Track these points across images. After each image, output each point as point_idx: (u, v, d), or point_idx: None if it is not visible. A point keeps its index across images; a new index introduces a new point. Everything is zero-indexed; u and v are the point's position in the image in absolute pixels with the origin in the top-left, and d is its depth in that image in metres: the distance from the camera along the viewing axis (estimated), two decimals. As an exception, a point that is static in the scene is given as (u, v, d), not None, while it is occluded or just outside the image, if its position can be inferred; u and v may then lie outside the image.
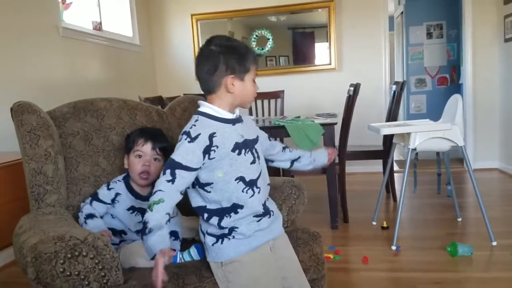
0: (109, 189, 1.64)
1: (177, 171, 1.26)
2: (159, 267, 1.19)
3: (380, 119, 4.57)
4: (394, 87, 3.79)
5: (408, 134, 2.71)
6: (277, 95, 4.46)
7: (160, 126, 1.90)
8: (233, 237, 1.33)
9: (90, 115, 1.79)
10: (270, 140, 1.56)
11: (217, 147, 1.29)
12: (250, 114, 4.22)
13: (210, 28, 5.10)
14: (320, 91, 5.02)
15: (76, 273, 1.20)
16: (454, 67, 6.26)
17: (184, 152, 1.27)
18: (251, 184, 1.34)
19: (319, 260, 1.64)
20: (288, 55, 5.18)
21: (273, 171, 3.53)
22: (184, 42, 5.22)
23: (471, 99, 4.88)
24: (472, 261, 2.48)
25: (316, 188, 3.82)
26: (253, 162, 1.36)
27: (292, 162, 1.61)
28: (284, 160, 1.61)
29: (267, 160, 1.57)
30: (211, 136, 1.29)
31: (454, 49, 6.25)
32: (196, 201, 1.36)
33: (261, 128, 1.59)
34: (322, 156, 1.67)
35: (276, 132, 3.10)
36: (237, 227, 1.33)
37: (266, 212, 1.38)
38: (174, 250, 1.29)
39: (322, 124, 3.05)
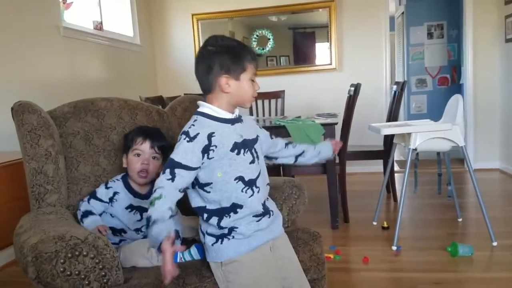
0: (107, 187, 1.65)
1: (177, 170, 1.26)
2: (167, 255, 1.18)
3: (381, 119, 4.57)
4: (394, 87, 3.79)
5: (409, 134, 2.71)
6: (277, 95, 4.46)
7: (161, 126, 1.90)
8: (233, 237, 1.33)
9: (90, 115, 1.79)
10: (272, 138, 1.55)
11: (216, 146, 1.29)
12: (251, 114, 4.22)
13: (211, 28, 5.10)
14: (320, 91, 5.03)
15: (77, 272, 1.20)
16: (454, 67, 6.26)
17: (183, 152, 1.27)
18: (250, 183, 1.34)
19: (320, 260, 1.64)
20: (289, 55, 5.18)
21: (274, 171, 3.54)
22: (184, 42, 5.22)
23: (471, 99, 4.88)
24: (473, 261, 2.48)
25: (316, 188, 3.82)
26: (252, 162, 1.36)
27: (296, 157, 1.60)
28: (288, 156, 1.60)
29: (271, 158, 1.58)
30: (210, 136, 1.29)
31: (454, 49, 6.25)
32: (195, 201, 1.36)
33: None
34: (326, 149, 1.65)
35: (277, 132, 3.09)
36: (237, 227, 1.33)
37: (266, 212, 1.38)
38: (178, 236, 1.28)
39: (323, 124, 3.05)
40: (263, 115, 4.44)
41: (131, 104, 1.91)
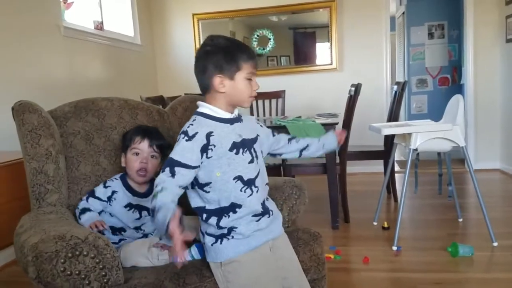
0: (105, 187, 1.65)
1: (177, 169, 1.26)
2: (175, 236, 1.17)
3: (381, 119, 4.57)
4: (395, 87, 3.79)
5: (409, 134, 2.71)
6: (278, 95, 4.46)
7: (161, 125, 1.90)
8: (232, 237, 1.33)
9: (91, 115, 1.79)
10: (274, 135, 1.55)
11: (215, 146, 1.30)
12: (251, 114, 4.22)
13: (211, 28, 5.10)
14: (321, 91, 5.03)
15: (77, 272, 1.20)
16: (455, 67, 6.26)
17: (183, 151, 1.28)
18: (249, 183, 1.34)
19: (320, 260, 1.64)
20: (289, 55, 5.18)
21: (274, 171, 3.54)
22: (185, 42, 5.22)
23: (472, 99, 4.88)
24: (473, 261, 2.48)
25: (317, 188, 3.82)
26: (251, 161, 1.36)
27: (301, 151, 1.60)
28: (292, 151, 1.59)
29: (275, 154, 1.57)
30: (209, 135, 1.29)
31: (455, 49, 6.25)
32: (195, 201, 1.36)
33: None
34: (331, 140, 1.64)
35: (277, 132, 3.10)
36: (236, 227, 1.33)
37: (265, 211, 1.38)
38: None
39: (323, 124, 3.05)
40: (264, 115, 4.44)
41: (132, 104, 1.91)
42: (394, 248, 2.68)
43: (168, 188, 1.24)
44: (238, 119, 1.39)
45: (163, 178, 1.26)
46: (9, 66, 3.04)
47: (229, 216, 1.32)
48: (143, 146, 1.66)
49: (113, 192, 1.64)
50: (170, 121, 1.96)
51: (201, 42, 1.41)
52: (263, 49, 5.15)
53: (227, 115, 1.36)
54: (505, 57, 4.65)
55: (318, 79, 5.07)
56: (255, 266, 1.34)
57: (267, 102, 4.45)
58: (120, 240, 1.61)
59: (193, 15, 5.16)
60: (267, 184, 1.44)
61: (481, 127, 4.89)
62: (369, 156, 3.77)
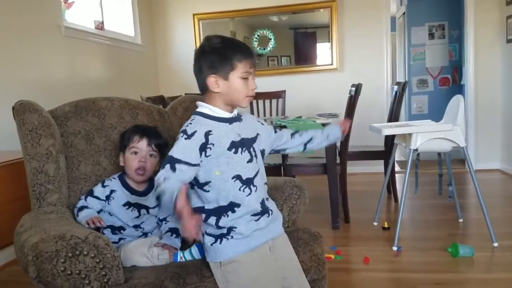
0: (103, 186, 1.66)
1: (177, 165, 1.26)
2: (184, 213, 1.14)
3: (382, 119, 4.57)
4: (395, 87, 3.79)
5: (410, 134, 2.71)
6: (278, 95, 4.46)
7: (162, 125, 1.90)
8: (232, 237, 1.33)
9: (91, 115, 1.79)
10: (276, 131, 1.54)
11: (213, 145, 1.30)
12: (251, 114, 4.22)
13: (212, 28, 5.10)
14: (321, 91, 5.02)
15: (77, 272, 1.20)
16: (456, 67, 6.25)
17: (182, 148, 1.28)
18: (248, 182, 1.34)
19: (320, 261, 1.64)
20: (290, 55, 5.18)
21: (275, 171, 3.54)
22: (186, 42, 5.22)
23: (473, 99, 4.88)
24: (473, 262, 2.48)
25: (317, 188, 3.82)
26: (250, 160, 1.36)
27: (305, 145, 1.59)
28: (296, 146, 1.59)
29: (279, 150, 1.57)
30: (207, 134, 1.30)
31: (456, 49, 6.25)
32: (194, 202, 1.36)
33: None
34: (335, 131, 1.62)
35: (280, 128, 3.10)
36: (236, 227, 1.33)
37: (264, 211, 1.38)
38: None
39: (324, 124, 3.05)
40: (264, 115, 4.44)
41: (132, 104, 1.91)
42: (395, 248, 2.68)
43: (171, 178, 1.23)
44: (237, 119, 1.39)
45: (164, 173, 1.25)
46: (9, 66, 3.04)
47: (228, 216, 1.32)
48: (142, 145, 1.66)
49: (112, 191, 1.64)
50: (171, 121, 1.96)
51: (201, 42, 1.41)
52: (264, 49, 5.15)
53: (226, 115, 1.37)
54: (505, 57, 4.65)
55: (318, 79, 5.07)
56: (255, 266, 1.34)
57: (267, 102, 4.45)
58: (120, 239, 1.61)
59: (194, 15, 5.16)
60: (266, 183, 1.44)
61: (481, 128, 4.89)
62: (369, 156, 3.77)
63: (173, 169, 1.25)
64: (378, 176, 4.31)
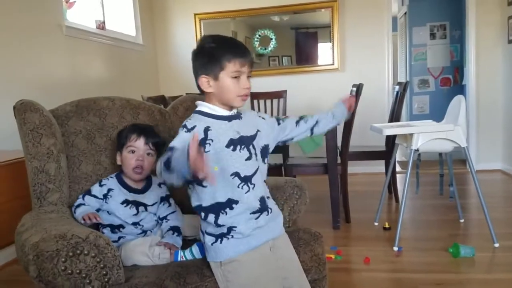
0: (101, 185, 1.66)
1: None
2: (192, 148, 1.10)
3: (383, 119, 4.57)
4: (397, 87, 3.78)
5: (411, 134, 2.71)
6: (279, 95, 4.46)
7: (163, 125, 1.90)
8: (232, 236, 1.33)
9: (92, 114, 1.79)
10: (280, 123, 1.53)
11: (212, 141, 1.30)
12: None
13: (213, 28, 5.10)
14: (322, 91, 5.02)
15: (78, 271, 1.20)
16: (457, 68, 6.25)
17: (182, 141, 1.27)
18: (246, 180, 1.34)
19: (321, 261, 1.64)
20: (291, 55, 5.18)
21: (275, 171, 3.54)
22: (187, 42, 5.22)
23: (474, 100, 4.87)
24: (474, 262, 2.48)
25: (318, 188, 3.81)
26: (249, 158, 1.36)
27: (312, 129, 1.58)
28: (302, 132, 1.57)
29: (286, 140, 1.56)
30: (206, 130, 1.31)
31: (457, 50, 6.24)
32: (193, 200, 1.37)
33: None
34: (340, 110, 1.61)
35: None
36: (236, 226, 1.33)
37: (263, 208, 1.38)
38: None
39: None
40: (265, 115, 4.43)
41: (133, 104, 1.91)
42: (395, 248, 2.68)
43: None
44: (236, 116, 1.39)
45: (163, 159, 1.22)
46: (11, 65, 3.04)
47: (226, 213, 1.33)
48: (139, 144, 1.67)
49: (109, 190, 1.65)
50: (172, 121, 1.96)
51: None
52: (265, 49, 5.15)
53: (225, 113, 1.37)
54: (507, 57, 4.64)
55: (319, 79, 5.07)
56: (255, 266, 1.35)
57: (268, 102, 4.45)
58: (120, 238, 1.61)
59: (195, 15, 5.16)
60: (265, 181, 1.43)
61: (482, 128, 4.88)
62: (370, 156, 3.77)
63: None
64: (379, 176, 4.31)
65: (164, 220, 1.68)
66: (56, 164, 1.59)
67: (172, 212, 1.70)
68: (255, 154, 1.38)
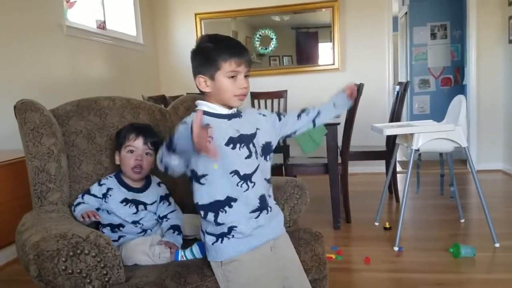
0: (100, 185, 1.67)
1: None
2: (195, 121, 1.11)
3: (383, 119, 4.57)
4: (397, 87, 3.78)
5: (412, 134, 2.71)
6: (280, 95, 4.46)
7: (163, 125, 1.90)
8: (233, 236, 1.33)
9: (93, 114, 1.79)
10: (281, 119, 1.52)
11: (212, 138, 1.30)
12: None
13: (213, 28, 5.10)
14: (323, 91, 4.96)
15: (78, 271, 1.20)
16: (458, 68, 6.25)
17: (180, 133, 1.26)
18: (245, 178, 1.34)
19: (321, 260, 1.64)
20: (292, 55, 5.18)
21: (276, 171, 3.53)
22: (187, 42, 5.22)
23: (475, 100, 4.87)
24: (475, 262, 2.48)
25: (318, 188, 3.81)
26: (249, 156, 1.35)
27: (314, 121, 1.57)
28: (304, 125, 1.57)
29: (289, 134, 1.55)
30: (206, 126, 1.30)
31: (458, 50, 6.24)
32: (195, 197, 1.37)
33: None
34: (341, 99, 1.59)
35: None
36: (236, 226, 1.33)
37: (263, 207, 1.37)
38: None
39: (325, 124, 3.05)
40: (266, 115, 4.43)
41: (134, 103, 1.91)
42: (396, 248, 2.68)
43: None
44: (236, 115, 1.39)
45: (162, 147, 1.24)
46: (11, 65, 3.04)
47: (226, 212, 1.32)
48: (138, 143, 1.67)
49: (108, 189, 1.65)
50: (172, 121, 1.96)
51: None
52: (266, 49, 5.15)
53: (224, 111, 1.37)
54: (507, 57, 4.64)
55: (320, 79, 5.07)
56: (256, 265, 1.34)
57: (269, 102, 4.45)
58: (120, 237, 1.62)
59: (196, 14, 5.16)
60: (267, 179, 1.42)
61: (483, 128, 4.88)
62: (371, 156, 3.76)
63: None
64: (379, 176, 4.31)
65: (164, 219, 1.68)
66: (57, 164, 1.59)
67: (172, 211, 1.71)
68: (255, 152, 1.38)
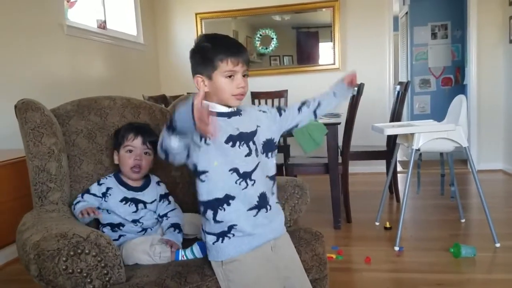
0: (99, 184, 1.67)
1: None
2: (197, 98, 1.11)
3: (384, 119, 4.57)
4: (398, 87, 3.78)
5: (412, 134, 2.70)
6: (280, 94, 4.46)
7: (164, 124, 1.90)
8: (233, 235, 1.33)
9: (93, 113, 1.79)
10: (281, 114, 1.51)
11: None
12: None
13: (214, 27, 5.10)
14: (324, 91, 5.01)
15: (79, 270, 1.20)
16: (458, 67, 6.25)
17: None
18: (245, 176, 1.34)
19: (322, 260, 1.64)
20: (292, 54, 5.18)
21: (277, 171, 3.53)
22: (188, 41, 5.17)
23: (475, 100, 4.87)
24: (475, 262, 2.48)
25: (319, 188, 3.81)
26: (248, 154, 1.35)
27: (315, 112, 1.57)
28: (305, 118, 1.56)
29: (291, 128, 1.54)
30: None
31: (458, 49, 6.24)
32: (197, 194, 1.37)
33: None
34: (340, 88, 1.60)
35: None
36: (236, 224, 1.33)
37: (261, 205, 1.36)
38: None
39: (326, 124, 3.05)
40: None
41: (134, 103, 1.91)
42: (396, 248, 2.68)
43: None
44: (236, 113, 1.39)
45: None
46: (12, 65, 3.04)
47: (224, 210, 1.32)
48: (137, 143, 1.67)
49: (108, 189, 1.65)
50: (173, 120, 1.96)
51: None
52: (266, 48, 5.15)
53: (224, 109, 1.37)
54: (508, 57, 4.63)
55: (320, 79, 5.05)
56: (256, 265, 1.34)
57: (269, 101, 4.45)
58: (120, 236, 1.62)
59: (196, 14, 5.16)
60: (269, 177, 1.42)
61: (484, 128, 4.88)
62: (371, 156, 3.76)
63: None
64: (380, 176, 4.31)
65: (165, 218, 1.68)
66: (57, 163, 1.59)
67: (172, 210, 1.71)
68: (256, 150, 1.38)
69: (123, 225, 1.63)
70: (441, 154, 3.04)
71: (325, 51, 5.09)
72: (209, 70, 1.33)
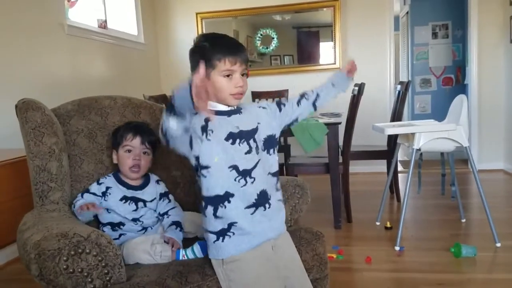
0: (99, 183, 1.67)
1: None
2: (196, 77, 1.12)
3: (385, 119, 4.56)
4: (398, 87, 3.78)
5: (413, 134, 2.70)
6: (281, 94, 4.46)
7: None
8: (233, 233, 1.33)
9: (94, 113, 1.79)
10: (281, 109, 1.51)
11: (212, 131, 1.30)
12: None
13: (215, 27, 5.10)
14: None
15: (79, 270, 1.20)
16: (459, 67, 6.24)
17: None
18: (244, 173, 1.34)
19: (322, 260, 1.64)
20: (293, 54, 5.18)
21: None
22: (188, 41, 5.09)
23: (476, 99, 4.86)
24: (476, 262, 2.47)
25: (319, 188, 3.81)
26: (248, 152, 1.35)
27: (314, 104, 1.57)
28: (305, 111, 1.56)
29: (291, 123, 1.55)
30: (207, 120, 1.30)
31: (459, 49, 6.23)
32: (201, 189, 1.37)
33: None
34: (339, 78, 1.60)
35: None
36: (236, 222, 1.33)
37: (259, 203, 1.36)
38: None
39: (326, 124, 3.05)
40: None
41: (135, 103, 1.91)
42: (397, 248, 2.68)
43: None
44: (236, 111, 1.39)
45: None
46: (12, 64, 3.04)
47: (225, 207, 1.32)
48: (136, 143, 1.67)
49: (107, 188, 1.65)
50: (173, 120, 1.96)
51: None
52: (267, 48, 5.15)
53: (224, 108, 1.37)
54: (509, 57, 4.63)
55: (321, 79, 5.04)
56: (257, 265, 1.34)
57: (270, 101, 4.44)
58: (120, 235, 1.62)
59: (197, 14, 5.16)
60: (271, 173, 1.42)
61: (484, 127, 4.88)
62: (372, 156, 3.76)
63: None
64: (380, 176, 4.31)
65: (165, 216, 1.68)
66: (58, 163, 1.59)
67: (173, 208, 1.71)
68: (256, 147, 1.38)
69: (123, 224, 1.63)
70: (442, 154, 3.04)
71: (326, 51, 5.08)
72: (208, 70, 1.33)
